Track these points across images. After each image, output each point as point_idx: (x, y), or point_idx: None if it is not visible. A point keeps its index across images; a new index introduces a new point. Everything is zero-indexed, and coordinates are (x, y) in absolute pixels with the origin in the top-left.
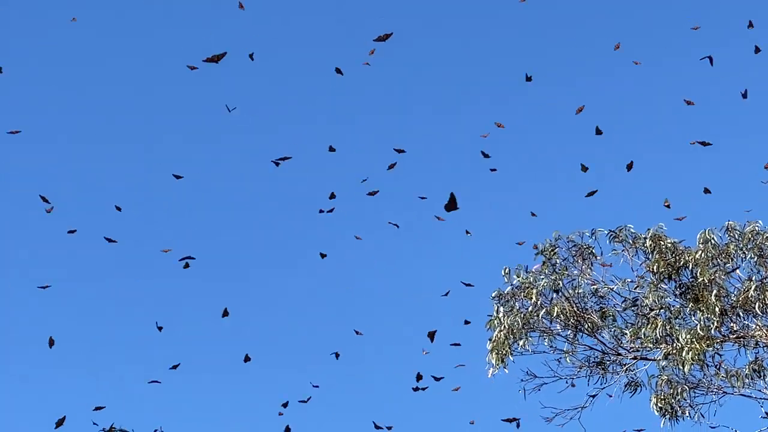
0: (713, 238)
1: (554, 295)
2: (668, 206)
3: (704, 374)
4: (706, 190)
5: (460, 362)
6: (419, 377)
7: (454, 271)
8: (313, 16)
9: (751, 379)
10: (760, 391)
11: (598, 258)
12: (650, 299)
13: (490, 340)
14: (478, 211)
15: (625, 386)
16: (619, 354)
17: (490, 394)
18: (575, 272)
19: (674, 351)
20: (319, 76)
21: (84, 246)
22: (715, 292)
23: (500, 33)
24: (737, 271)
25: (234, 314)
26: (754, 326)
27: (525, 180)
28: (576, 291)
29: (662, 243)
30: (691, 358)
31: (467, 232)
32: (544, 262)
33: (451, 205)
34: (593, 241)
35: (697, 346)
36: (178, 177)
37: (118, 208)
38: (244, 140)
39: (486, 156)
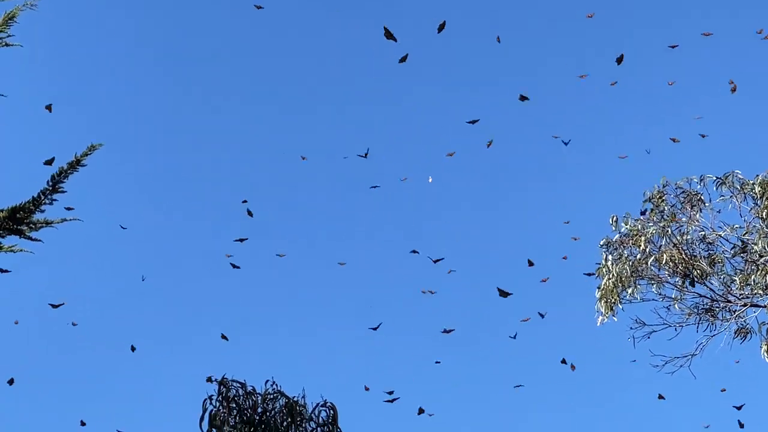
0: None
1: (663, 242)
2: None
3: None
4: None
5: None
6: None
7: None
8: None
9: None
10: None
11: (707, 204)
12: (760, 245)
13: (599, 288)
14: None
15: (735, 333)
16: (729, 301)
17: (599, 341)
18: (683, 219)
19: None
20: None
21: None
22: None
23: None
24: None
25: None
26: None
27: (632, 125)
28: (684, 238)
29: None
30: None
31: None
32: (652, 209)
33: None
34: (701, 187)
35: None
36: None
37: None
38: None
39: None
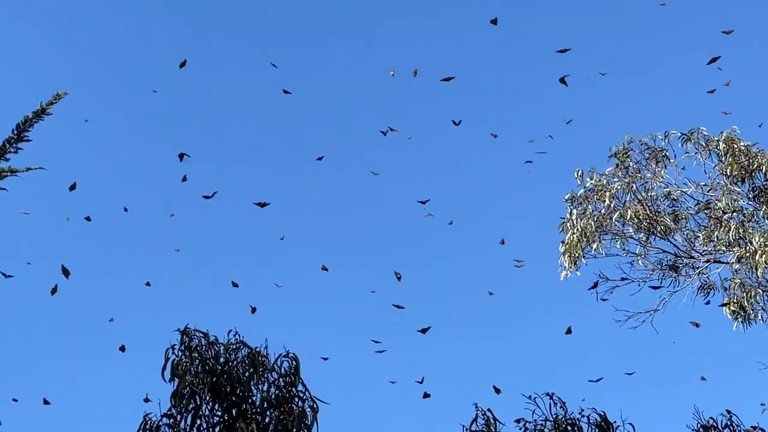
0: None
1: (627, 197)
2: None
3: None
4: None
5: (535, 264)
6: None
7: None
8: None
9: None
10: None
11: (672, 161)
12: (723, 202)
13: (563, 242)
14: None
15: (698, 289)
16: (692, 257)
17: (562, 296)
18: (648, 175)
19: (747, 254)
20: None
21: None
22: None
23: None
24: None
25: None
26: None
27: (599, 82)
28: (649, 194)
29: (735, 146)
30: (765, 261)
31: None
32: (617, 165)
33: None
34: (666, 144)
35: None
36: None
37: None
38: None
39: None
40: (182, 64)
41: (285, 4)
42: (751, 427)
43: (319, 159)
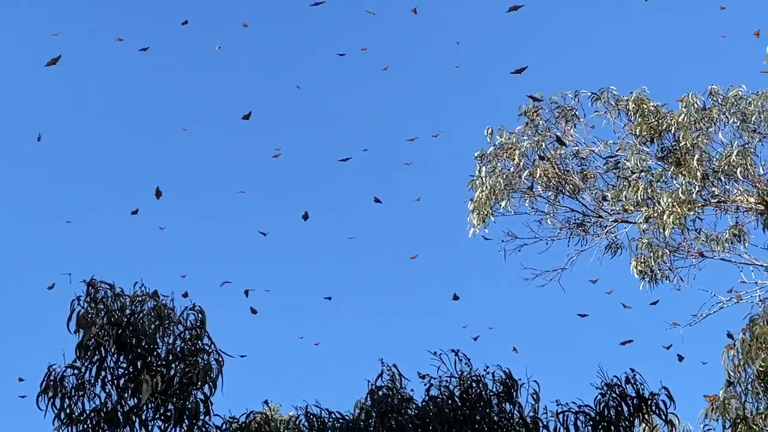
0: (696, 102)
1: (536, 156)
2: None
3: (684, 238)
4: None
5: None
6: None
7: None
8: None
9: (731, 243)
10: (739, 255)
11: (581, 120)
12: (632, 162)
13: (472, 200)
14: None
15: (606, 248)
16: (600, 216)
17: (471, 254)
18: (558, 133)
19: (655, 214)
20: None
21: None
22: (697, 156)
23: None
24: (719, 135)
25: None
26: (735, 191)
27: (506, 40)
28: (558, 152)
29: (645, 106)
30: (672, 221)
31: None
32: (527, 123)
33: None
34: (576, 102)
35: (678, 210)
36: None
37: None
38: None
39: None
40: None
41: None
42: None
43: None
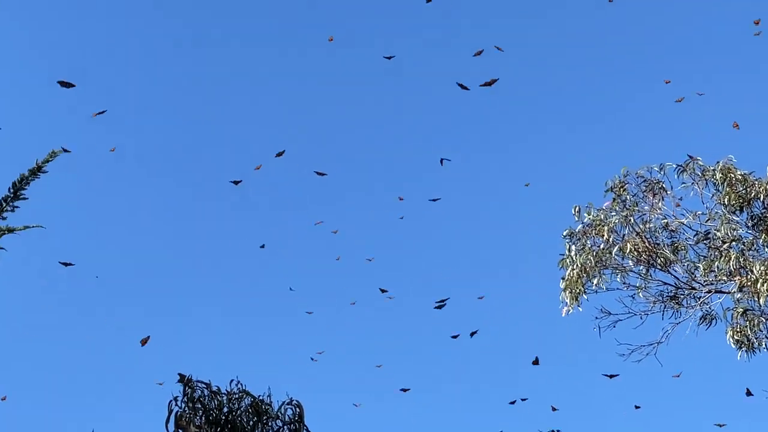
0: None
1: (626, 231)
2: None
3: None
4: None
5: (533, 301)
6: None
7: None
8: None
9: None
10: None
11: (668, 192)
12: (722, 232)
13: (563, 278)
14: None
15: (700, 320)
16: (693, 288)
17: (564, 332)
18: (645, 207)
19: (749, 283)
20: None
21: None
22: None
23: None
24: None
25: None
26: None
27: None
28: (647, 226)
29: (732, 175)
30: (766, 289)
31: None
32: (614, 199)
33: None
34: (662, 175)
35: None
36: None
37: None
38: None
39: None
40: None
41: None
42: None
43: None
